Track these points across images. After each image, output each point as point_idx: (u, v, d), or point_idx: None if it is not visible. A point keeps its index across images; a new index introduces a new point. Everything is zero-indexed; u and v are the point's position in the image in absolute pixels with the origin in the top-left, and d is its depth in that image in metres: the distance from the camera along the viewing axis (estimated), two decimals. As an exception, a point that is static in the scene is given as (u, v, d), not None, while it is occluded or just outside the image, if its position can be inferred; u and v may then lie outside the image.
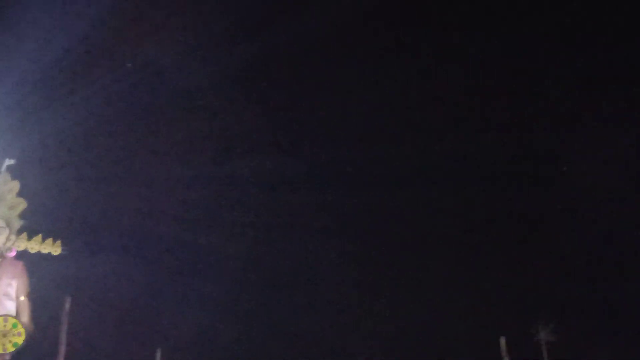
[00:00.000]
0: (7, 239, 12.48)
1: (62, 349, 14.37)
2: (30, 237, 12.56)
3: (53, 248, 12.68)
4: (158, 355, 19.38)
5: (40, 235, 12.66)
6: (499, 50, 22.35)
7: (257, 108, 22.88)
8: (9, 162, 13.28)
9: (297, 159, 22.84)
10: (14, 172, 13.07)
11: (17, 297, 12.06)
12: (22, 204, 13.08)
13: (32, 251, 12.55)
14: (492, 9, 22.14)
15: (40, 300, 12.63)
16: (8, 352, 11.60)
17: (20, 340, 11.67)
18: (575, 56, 22.62)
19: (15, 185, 13.04)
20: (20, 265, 12.34)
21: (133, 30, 20.60)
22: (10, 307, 11.95)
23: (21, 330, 11.69)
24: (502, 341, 19.84)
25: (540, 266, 23.03)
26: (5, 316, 11.72)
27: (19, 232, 12.61)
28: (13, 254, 12.47)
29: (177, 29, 20.93)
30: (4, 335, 11.58)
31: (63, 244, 12.76)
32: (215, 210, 22.70)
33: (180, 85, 21.86)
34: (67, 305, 14.87)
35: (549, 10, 22.46)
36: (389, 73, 23.10)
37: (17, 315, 11.82)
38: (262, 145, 23.14)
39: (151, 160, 22.16)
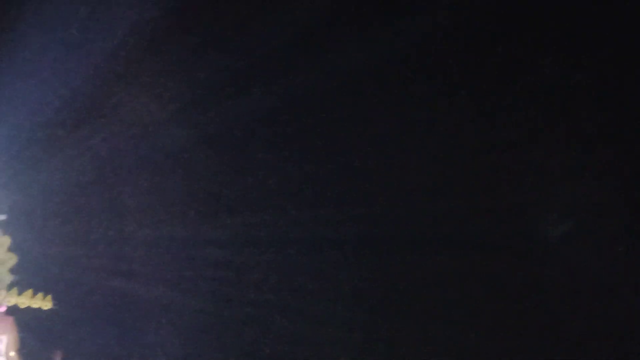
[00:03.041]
0: (-3, 294, 12.60)
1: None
2: (20, 292, 12.65)
3: (43, 303, 12.74)
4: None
5: (30, 290, 12.73)
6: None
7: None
8: (0, 217, 13.44)
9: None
10: (5, 228, 13.23)
11: (7, 353, 12.12)
12: (12, 259, 13.20)
13: (22, 306, 12.61)
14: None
15: (30, 356, 12.64)
16: (-3, 408, 11.62)
17: (10, 396, 11.70)
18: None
19: (6, 241, 13.18)
20: (10, 320, 12.40)
21: (122, 86, 20.98)
22: (0, 363, 12.00)
23: (11, 386, 11.73)
24: None
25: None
26: (-5, 372, 11.78)
27: (9, 287, 12.70)
28: (3, 309, 12.54)
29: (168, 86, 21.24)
30: (-6, 392, 11.61)
31: (54, 299, 12.85)
32: (199, 270, 22.76)
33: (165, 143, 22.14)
34: (58, 361, 14.85)
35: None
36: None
37: (7, 371, 11.87)
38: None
39: (140, 218, 22.29)
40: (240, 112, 21.07)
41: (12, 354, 12.28)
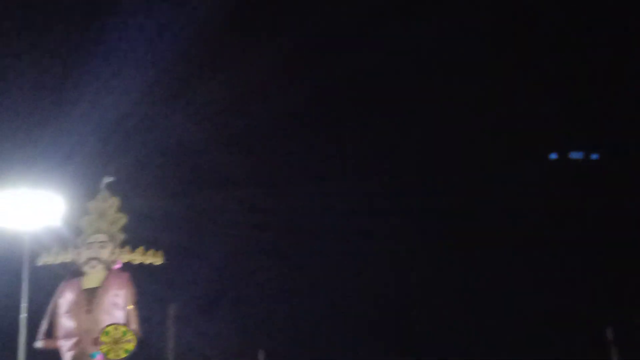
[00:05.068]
0: (112, 252, 13.21)
1: (171, 354, 15.02)
2: (133, 250, 13.27)
3: (155, 258, 13.32)
4: (261, 356, 19.87)
5: (142, 247, 13.32)
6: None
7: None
8: (107, 179, 14.04)
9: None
10: (113, 189, 13.83)
11: (125, 307, 12.74)
12: (122, 219, 13.81)
13: (135, 262, 13.22)
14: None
15: (147, 308, 13.27)
16: (121, 358, 12.27)
17: (131, 346, 12.31)
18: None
19: (115, 202, 13.78)
20: (125, 276, 13.01)
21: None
22: (119, 316, 12.63)
23: (131, 337, 12.34)
24: (609, 332, 19.26)
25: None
26: (116, 325, 12.40)
27: (122, 245, 13.33)
28: (118, 266, 13.18)
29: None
30: (116, 343, 12.25)
31: (165, 254, 13.41)
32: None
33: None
34: (172, 312, 15.52)
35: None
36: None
37: (126, 324, 12.50)
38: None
39: (245, 170, 22.65)
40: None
41: (130, 307, 12.83)
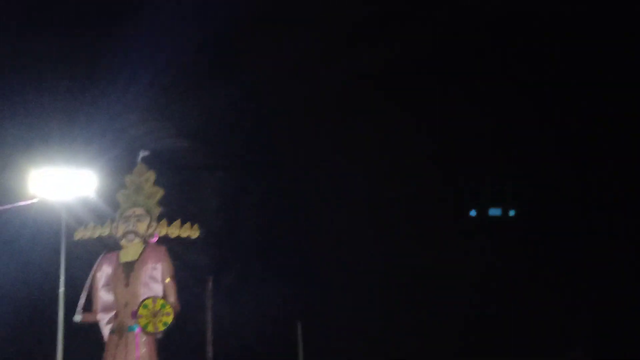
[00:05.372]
0: (149, 226, 13.19)
1: (209, 326, 15.02)
2: (169, 223, 13.23)
3: (191, 231, 13.27)
4: (299, 329, 19.87)
5: (179, 221, 13.28)
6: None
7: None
8: (143, 153, 13.98)
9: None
10: (149, 162, 13.79)
11: (163, 280, 12.72)
12: (159, 192, 13.75)
13: (172, 236, 13.17)
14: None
15: (184, 282, 13.26)
16: (159, 330, 12.32)
17: (169, 319, 12.34)
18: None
19: (152, 175, 13.72)
20: (163, 249, 13.00)
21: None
22: (157, 289, 12.62)
23: (169, 310, 12.35)
24: None
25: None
26: (154, 298, 12.41)
27: (159, 218, 13.31)
28: (155, 239, 13.17)
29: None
30: (154, 316, 12.28)
31: (201, 227, 13.37)
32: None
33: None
34: (210, 285, 15.52)
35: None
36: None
37: (164, 297, 12.51)
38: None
39: (281, 147, 22.59)
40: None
41: (168, 280, 12.83)
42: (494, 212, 24.14)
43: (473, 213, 24.20)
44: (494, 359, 21.16)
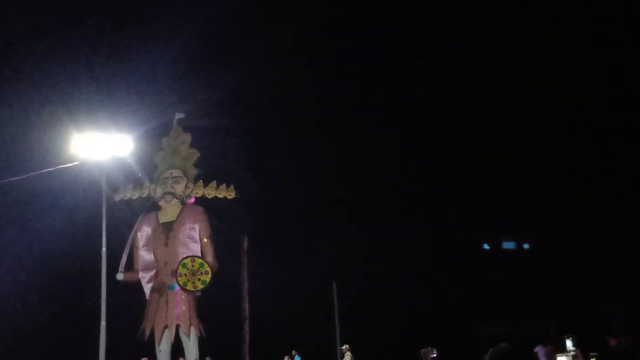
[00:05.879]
0: (186, 187, 13.50)
1: (245, 284, 15.34)
2: (205, 184, 13.53)
3: (228, 192, 13.55)
4: (333, 287, 20.10)
5: (214, 182, 13.57)
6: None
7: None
8: (179, 115, 14.22)
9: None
10: (185, 125, 14.05)
11: (201, 240, 13.08)
12: (195, 154, 14.05)
13: (209, 197, 13.47)
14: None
15: (221, 241, 13.57)
16: (198, 289, 12.71)
17: (207, 278, 12.72)
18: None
19: (188, 137, 14.00)
20: (200, 210, 13.32)
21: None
22: (195, 248, 13.01)
23: (207, 269, 12.73)
24: None
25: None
26: (193, 257, 12.78)
27: (195, 180, 13.60)
28: (192, 200, 13.49)
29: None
30: (193, 274, 12.67)
31: (236, 188, 13.63)
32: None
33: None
34: (245, 244, 15.79)
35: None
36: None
37: (202, 256, 12.86)
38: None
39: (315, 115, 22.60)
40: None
41: (206, 240, 13.16)
42: (508, 245, 24.77)
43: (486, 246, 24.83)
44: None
